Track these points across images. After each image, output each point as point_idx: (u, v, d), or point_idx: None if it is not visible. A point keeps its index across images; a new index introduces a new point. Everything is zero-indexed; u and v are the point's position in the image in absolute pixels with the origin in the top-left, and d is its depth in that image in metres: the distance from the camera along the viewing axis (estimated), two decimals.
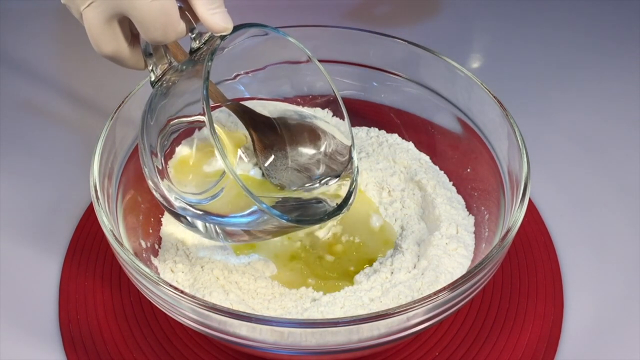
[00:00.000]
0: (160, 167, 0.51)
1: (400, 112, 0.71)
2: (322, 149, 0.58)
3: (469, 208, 0.64)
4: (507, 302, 0.62)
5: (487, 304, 0.62)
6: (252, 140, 0.56)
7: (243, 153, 0.57)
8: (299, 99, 0.68)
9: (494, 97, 0.59)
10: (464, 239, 0.60)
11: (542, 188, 0.71)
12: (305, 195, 0.56)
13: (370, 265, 0.60)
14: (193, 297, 0.46)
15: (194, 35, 0.51)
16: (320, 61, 0.68)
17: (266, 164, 0.56)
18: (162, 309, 0.49)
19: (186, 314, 0.47)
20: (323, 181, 0.58)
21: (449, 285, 0.46)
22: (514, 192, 0.54)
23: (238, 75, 0.66)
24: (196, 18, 0.49)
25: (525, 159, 0.54)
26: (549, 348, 0.59)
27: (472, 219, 0.62)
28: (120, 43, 0.49)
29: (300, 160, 0.58)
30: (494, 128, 0.60)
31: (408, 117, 0.71)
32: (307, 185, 0.57)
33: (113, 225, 0.52)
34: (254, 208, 0.47)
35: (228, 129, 0.59)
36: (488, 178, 0.61)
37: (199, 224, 0.51)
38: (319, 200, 0.55)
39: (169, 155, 0.52)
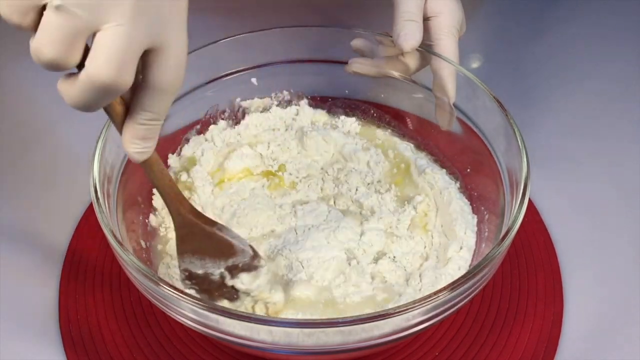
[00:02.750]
0: None
1: (400, 112, 0.71)
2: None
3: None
4: (507, 302, 0.62)
5: (487, 304, 0.62)
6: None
7: None
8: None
9: (494, 97, 0.59)
10: (468, 241, 0.60)
11: (542, 188, 0.71)
12: None
13: None
14: (193, 297, 0.46)
15: None
16: (318, 61, 0.69)
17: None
18: (161, 309, 0.49)
19: (186, 314, 0.47)
20: None
21: (448, 285, 0.46)
22: (514, 192, 0.54)
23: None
24: None
25: (525, 159, 0.54)
26: (549, 348, 0.59)
27: (475, 219, 0.62)
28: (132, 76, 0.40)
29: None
30: (494, 128, 0.59)
31: (408, 117, 0.71)
32: None
33: (113, 225, 0.52)
34: None
35: None
36: (488, 178, 0.61)
37: None
38: None
39: None
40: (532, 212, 0.69)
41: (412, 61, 0.64)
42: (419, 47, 0.62)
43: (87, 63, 0.38)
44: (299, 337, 0.45)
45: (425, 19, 0.62)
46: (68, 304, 0.62)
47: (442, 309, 0.47)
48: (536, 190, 0.70)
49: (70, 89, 0.39)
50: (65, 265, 0.65)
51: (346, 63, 0.67)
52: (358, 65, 0.67)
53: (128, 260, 0.48)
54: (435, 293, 0.46)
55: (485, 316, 0.61)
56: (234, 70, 0.67)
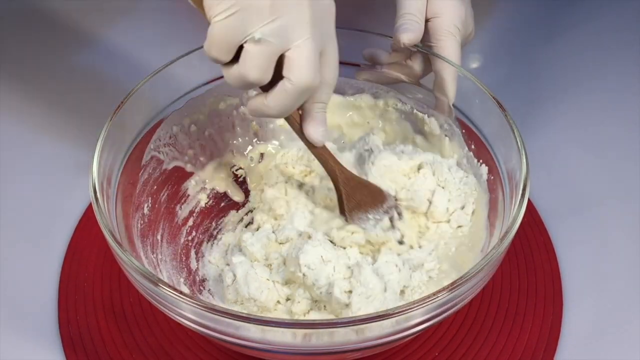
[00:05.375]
0: None
1: None
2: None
3: None
4: (507, 302, 0.62)
5: (487, 304, 0.62)
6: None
7: None
8: None
9: (494, 97, 0.59)
10: None
11: (541, 188, 0.71)
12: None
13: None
14: (192, 297, 0.46)
15: None
16: None
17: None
18: (161, 310, 0.49)
19: (185, 315, 0.47)
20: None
21: (448, 286, 0.46)
22: (513, 193, 0.54)
23: None
24: None
25: (524, 160, 0.54)
26: (548, 348, 0.59)
27: None
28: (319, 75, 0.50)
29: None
30: (493, 128, 0.59)
31: None
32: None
33: (112, 226, 0.52)
34: None
35: None
36: (487, 178, 0.61)
37: None
38: None
39: None
40: (532, 212, 0.69)
41: (417, 65, 0.64)
42: (421, 48, 0.62)
43: (289, 75, 0.48)
44: (298, 338, 0.45)
45: (426, 21, 0.62)
46: (67, 305, 0.62)
47: (441, 309, 0.47)
48: (536, 190, 0.70)
49: (272, 101, 0.49)
50: (64, 266, 0.65)
51: (344, 63, 0.67)
52: (368, 74, 0.67)
53: (127, 261, 0.48)
54: (435, 293, 0.46)
55: (485, 316, 0.61)
56: None
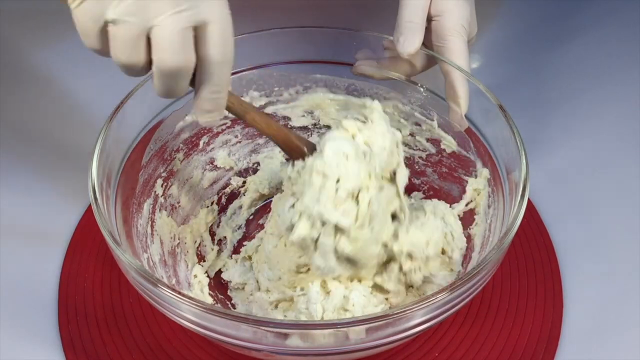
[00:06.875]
0: None
1: None
2: None
3: None
4: (507, 302, 0.62)
5: (487, 304, 0.62)
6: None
7: None
8: None
9: (494, 97, 0.59)
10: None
11: (540, 189, 0.71)
12: None
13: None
14: (192, 298, 0.46)
15: None
16: (318, 62, 0.68)
17: None
18: (160, 311, 0.49)
19: (184, 316, 0.47)
20: None
21: (448, 287, 0.46)
22: (513, 193, 0.54)
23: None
24: None
25: (524, 160, 0.54)
26: (548, 348, 0.59)
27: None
28: (191, 55, 0.45)
29: None
30: (493, 128, 0.59)
31: None
32: None
33: (112, 227, 0.52)
34: None
35: None
36: (487, 178, 0.61)
37: None
38: None
39: None
40: (532, 212, 0.69)
41: (417, 61, 0.64)
42: (426, 49, 0.61)
43: (153, 57, 0.44)
44: (297, 339, 0.45)
45: (432, 20, 0.61)
46: (67, 305, 0.62)
47: (441, 310, 0.47)
48: (536, 190, 0.70)
49: (154, 83, 0.46)
50: (64, 266, 0.65)
51: (343, 64, 0.67)
52: (364, 67, 0.66)
53: (127, 261, 0.48)
54: (435, 294, 0.46)
55: (485, 316, 0.61)
56: (235, 70, 0.67)
